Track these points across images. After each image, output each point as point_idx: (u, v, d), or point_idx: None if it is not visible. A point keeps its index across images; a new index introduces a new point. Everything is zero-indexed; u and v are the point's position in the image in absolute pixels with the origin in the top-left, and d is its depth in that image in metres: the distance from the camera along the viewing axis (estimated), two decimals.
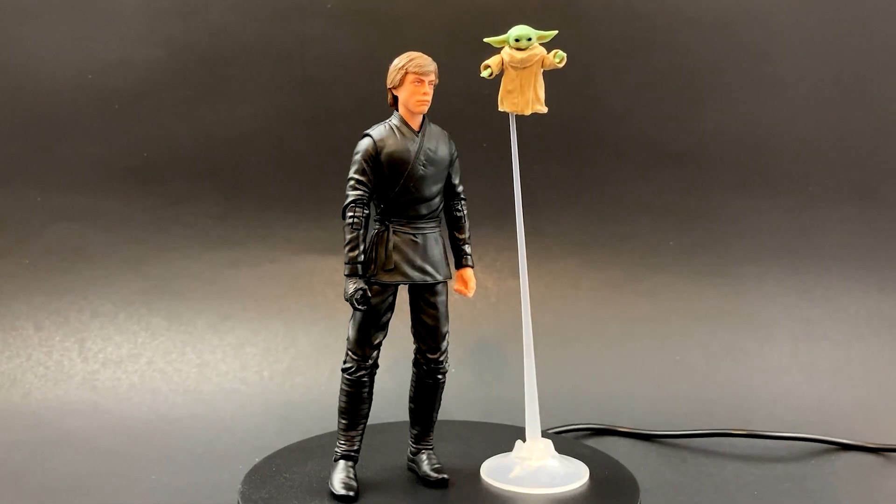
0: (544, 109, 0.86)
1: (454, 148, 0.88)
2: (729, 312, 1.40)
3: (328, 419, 1.12)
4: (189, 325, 1.36)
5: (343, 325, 1.36)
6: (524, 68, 0.84)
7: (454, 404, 1.13)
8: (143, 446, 1.11)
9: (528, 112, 0.86)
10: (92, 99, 1.40)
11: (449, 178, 0.89)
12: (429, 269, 0.86)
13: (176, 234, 1.41)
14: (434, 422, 0.91)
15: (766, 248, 1.44)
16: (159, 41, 1.40)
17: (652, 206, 1.45)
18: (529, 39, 0.84)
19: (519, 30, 0.84)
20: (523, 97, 0.85)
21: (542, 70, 0.85)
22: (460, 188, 0.90)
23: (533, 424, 0.90)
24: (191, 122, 1.41)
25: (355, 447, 0.88)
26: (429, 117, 0.87)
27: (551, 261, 1.43)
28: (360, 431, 0.89)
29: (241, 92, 1.41)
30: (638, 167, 1.45)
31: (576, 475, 0.89)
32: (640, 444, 1.14)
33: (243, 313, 1.38)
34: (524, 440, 0.91)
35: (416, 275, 0.85)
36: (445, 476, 0.87)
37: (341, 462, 0.87)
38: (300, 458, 0.94)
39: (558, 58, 0.83)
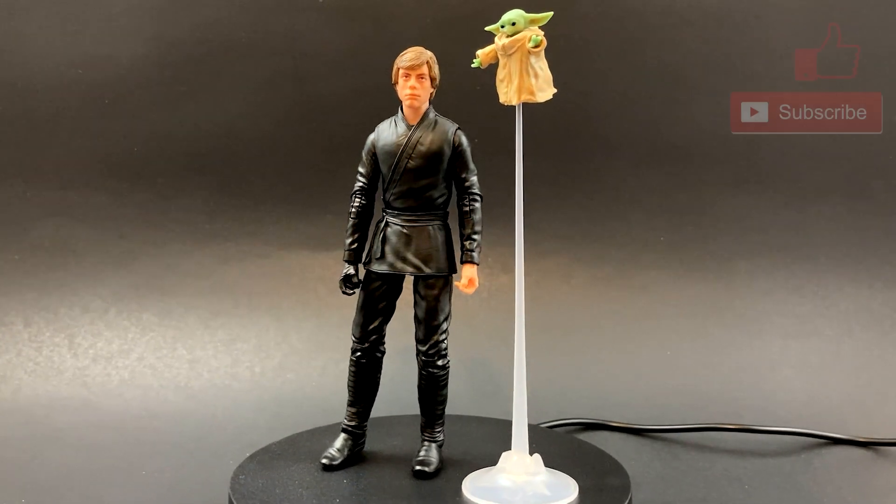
0: (537, 98, 0.81)
1: (459, 142, 0.87)
2: (720, 308, 1.40)
3: (319, 415, 1.12)
4: (180, 320, 1.36)
5: (333, 321, 1.37)
6: (510, 55, 0.80)
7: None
8: (133, 442, 1.11)
9: (515, 102, 0.81)
10: (81, 94, 1.39)
11: (455, 173, 0.88)
12: (416, 261, 0.87)
13: (166, 230, 1.40)
14: (436, 415, 0.92)
15: (757, 245, 1.44)
16: (149, 36, 1.39)
17: (643, 201, 1.45)
18: (514, 24, 0.79)
19: (507, 14, 0.80)
20: (511, 86, 0.80)
21: (530, 56, 0.79)
22: (469, 184, 0.88)
23: (520, 438, 0.86)
24: (181, 118, 1.40)
25: (353, 423, 0.92)
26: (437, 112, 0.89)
27: (543, 256, 1.43)
28: (361, 410, 0.92)
29: (232, 87, 1.41)
30: (629, 163, 1.45)
31: (561, 494, 0.83)
32: (631, 439, 1.14)
33: (234, 309, 1.38)
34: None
35: (400, 265, 0.87)
36: (425, 469, 0.88)
37: (341, 434, 0.92)
38: (291, 453, 0.94)
39: (532, 42, 0.78)
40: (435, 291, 0.88)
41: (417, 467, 0.88)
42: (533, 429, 1.05)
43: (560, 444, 0.99)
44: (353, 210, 0.90)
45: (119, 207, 1.40)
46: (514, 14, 0.80)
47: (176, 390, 1.26)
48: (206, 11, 1.39)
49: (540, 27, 0.80)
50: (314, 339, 1.35)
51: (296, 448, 0.96)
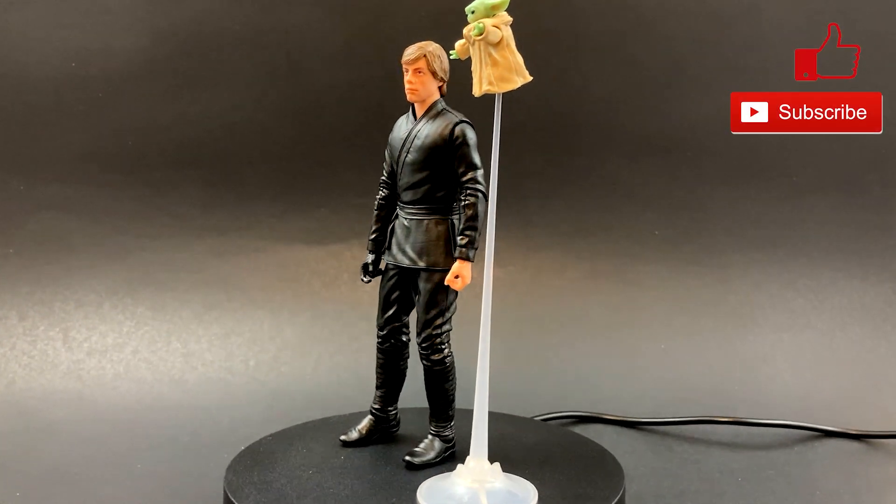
0: (496, 88, 0.75)
1: (458, 135, 0.86)
2: (714, 302, 1.41)
3: (314, 408, 1.13)
4: (174, 314, 1.36)
5: (328, 315, 1.37)
6: (472, 45, 0.75)
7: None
8: (128, 435, 1.11)
9: (478, 94, 0.76)
10: (75, 87, 1.38)
11: (453, 166, 0.87)
12: (411, 254, 0.88)
13: (161, 224, 1.40)
14: (439, 409, 0.91)
15: (751, 239, 1.44)
16: (143, 29, 1.39)
17: (637, 196, 1.45)
18: (473, 12, 0.74)
19: (472, 3, 0.75)
20: (476, 76, 0.76)
21: (489, 46, 0.74)
22: (466, 178, 0.86)
23: (479, 444, 0.82)
24: (175, 111, 1.40)
25: (378, 406, 0.95)
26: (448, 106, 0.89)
27: (537, 251, 1.43)
28: (386, 394, 0.94)
29: (227, 80, 1.40)
30: (624, 157, 1.45)
31: (519, 501, 0.80)
32: (625, 432, 1.15)
33: (228, 303, 1.38)
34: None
35: (400, 257, 0.89)
36: (412, 461, 0.88)
37: (367, 416, 0.95)
38: (285, 445, 0.94)
39: (476, 30, 0.73)
40: (430, 286, 0.88)
41: (406, 457, 0.88)
42: (527, 422, 1.06)
43: (554, 437, 0.99)
44: (376, 202, 0.93)
45: (113, 201, 1.39)
46: (476, 2, 0.74)
47: (170, 384, 1.26)
48: (201, 4, 1.39)
49: (506, 11, 0.75)
50: (308, 333, 1.35)
51: (290, 441, 0.96)
